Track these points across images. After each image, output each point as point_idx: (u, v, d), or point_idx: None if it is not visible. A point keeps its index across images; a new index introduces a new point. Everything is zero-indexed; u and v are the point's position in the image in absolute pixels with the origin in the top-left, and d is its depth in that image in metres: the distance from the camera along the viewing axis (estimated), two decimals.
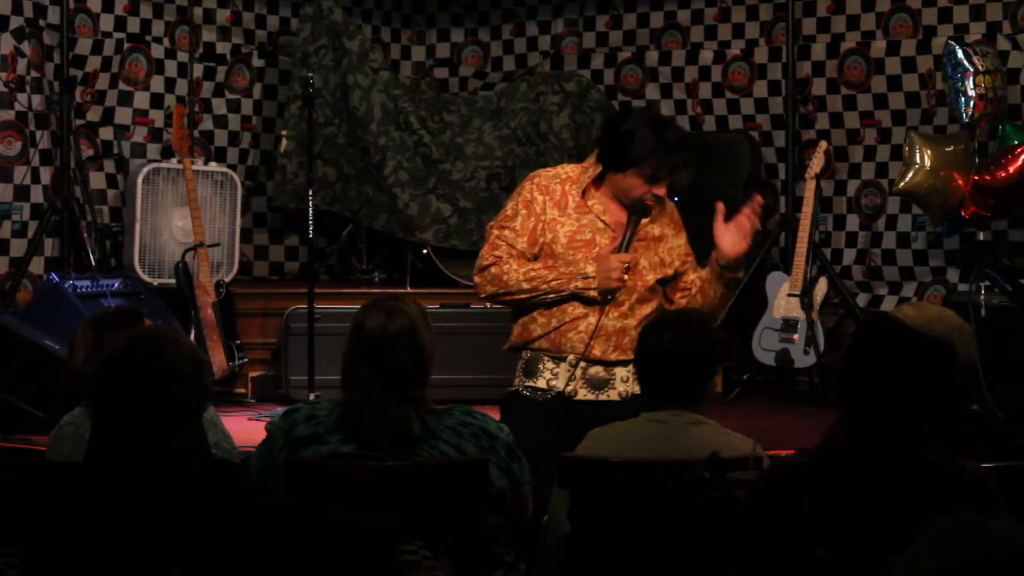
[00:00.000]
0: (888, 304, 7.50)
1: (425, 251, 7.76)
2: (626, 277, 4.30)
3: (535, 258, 4.40)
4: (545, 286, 4.32)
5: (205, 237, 7.14)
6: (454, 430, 3.51)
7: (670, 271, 4.47)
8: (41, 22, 7.31)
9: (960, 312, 4.11)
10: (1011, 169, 6.66)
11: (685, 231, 4.56)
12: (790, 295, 6.97)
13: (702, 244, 7.65)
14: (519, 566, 3.62)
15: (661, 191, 4.33)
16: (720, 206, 4.35)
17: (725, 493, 3.13)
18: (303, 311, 6.89)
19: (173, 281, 7.05)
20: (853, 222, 7.79)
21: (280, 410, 4.33)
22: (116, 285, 6.73)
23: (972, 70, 6.78)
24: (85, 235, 7.17)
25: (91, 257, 7.11)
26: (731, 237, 4.29)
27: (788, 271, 7.05)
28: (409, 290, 7.59)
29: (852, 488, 2.79)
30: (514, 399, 4.42)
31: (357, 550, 2.04)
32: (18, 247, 7.22)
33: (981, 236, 7.10)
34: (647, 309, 4.42)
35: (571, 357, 4.35)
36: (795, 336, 6.91)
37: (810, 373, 7.08)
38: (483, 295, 4.46)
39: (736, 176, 7.76)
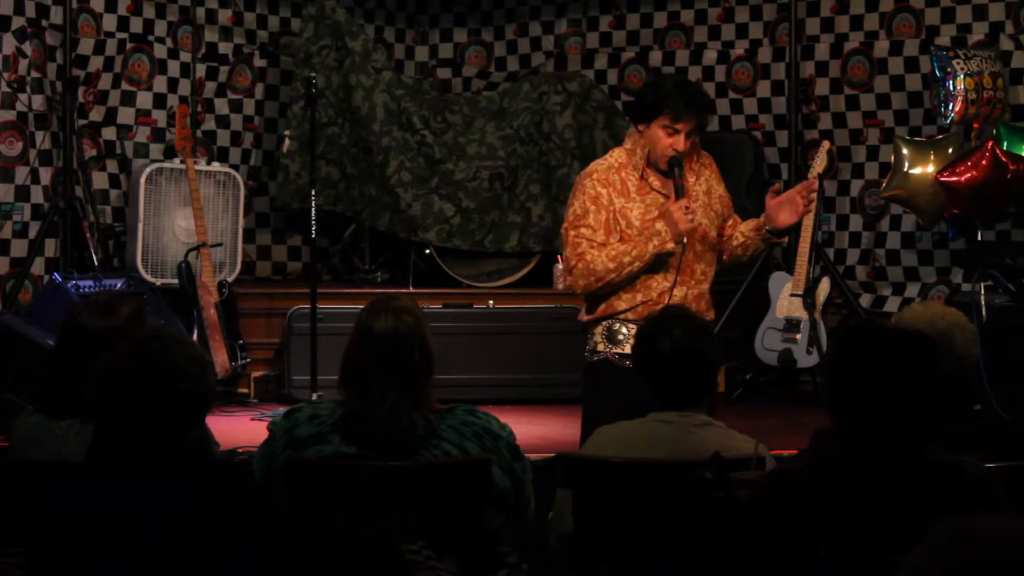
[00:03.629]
0: (892, 304, 7.49)
1: (428, 251, 7.76)
2: (691, 217, 4.54)
3: None
4: (628, 258, 4.55)
5: (208, 237, 7.14)
6: (456, 429, 3.51)
7: (725, 219, 4.81)
8: (44, 22, 7.31)
9: (963, 312, 4.10)
10: (976, 170, 6.63)
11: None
12: (793, 295, 6.97)
13: None
14: (522, 566, 3.61)
15: (680, 143, 4.58)
16: (776, 184, 4.75)
17: (727, 494, 3.12)
18: (306, 311, 6.89)
19: (176, 281, 7.06)
20: (856, 222, 7.78)
21: (282, 410, 4.32)
22: (119, 285, 6.73)
23: (953, 73, 6.77)
24: (88, 235, 7.17)
25: (94, 257, 7.11)
26: (786, 211, 4.62)
27: (791, 271, 7.05)
28: (412, 290, 7.59)
29: (853, 489, 2.78)
30: (605, 365, 4.63)
31: (357, 551, 2.04)
32: (19, 247, 7.22)
33: (980, 236, 7.09)
34: (715, 266, 4.77)
35: None
36: (798, 336, 6.91)
37: (813, 373, 7.07)
38: (579, 291, 4.70)
39: (738, 176, 7.76)
